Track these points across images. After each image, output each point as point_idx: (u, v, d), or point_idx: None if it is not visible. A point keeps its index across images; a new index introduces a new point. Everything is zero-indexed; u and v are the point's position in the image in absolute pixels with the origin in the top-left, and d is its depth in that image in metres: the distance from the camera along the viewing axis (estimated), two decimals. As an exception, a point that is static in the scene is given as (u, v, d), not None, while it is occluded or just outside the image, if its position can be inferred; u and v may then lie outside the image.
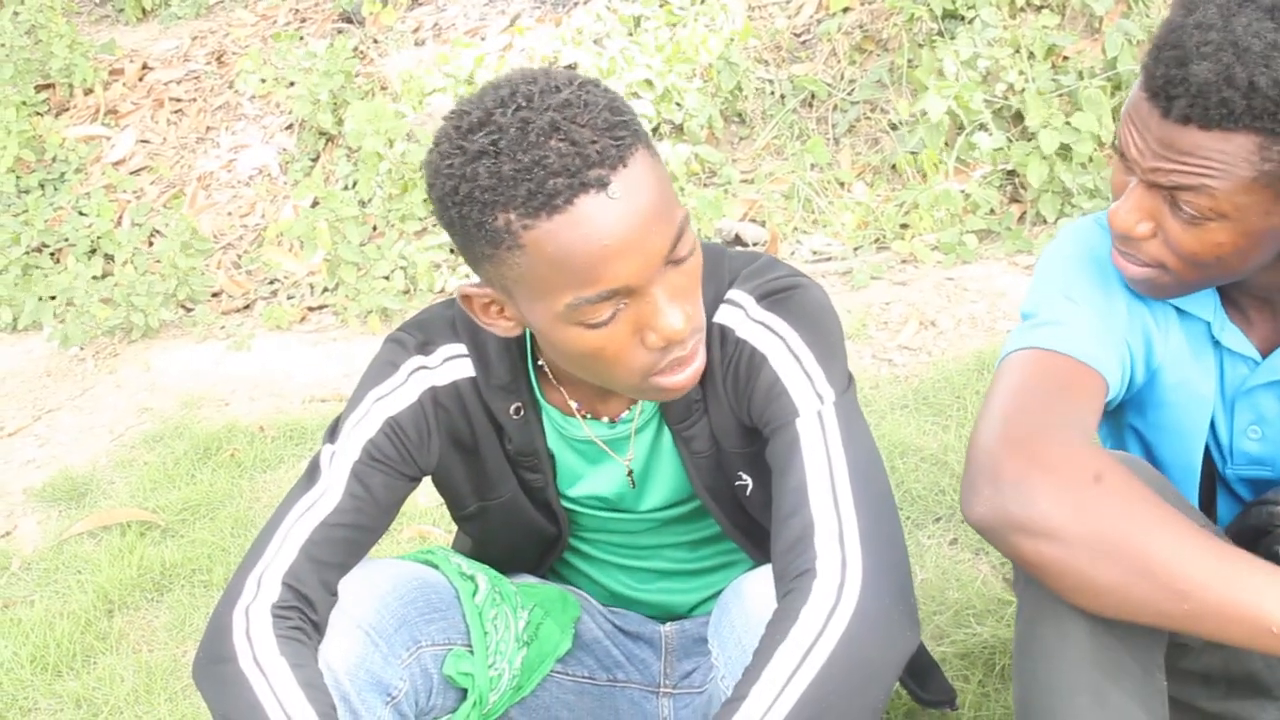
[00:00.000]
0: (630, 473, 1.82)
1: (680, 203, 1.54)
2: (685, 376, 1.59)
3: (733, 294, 1.72)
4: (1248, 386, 1.74)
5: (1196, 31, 1.49)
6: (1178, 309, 1.73)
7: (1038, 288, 1.76)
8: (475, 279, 1.60)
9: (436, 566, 1.82)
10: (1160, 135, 1.53)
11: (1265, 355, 1.73)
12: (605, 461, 1.82)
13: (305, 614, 1.65)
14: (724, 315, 1.71)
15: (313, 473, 1.74)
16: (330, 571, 1.69)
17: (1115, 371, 1.67)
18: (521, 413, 1.77)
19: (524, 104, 1.45)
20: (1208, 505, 1.88)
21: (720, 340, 1.70)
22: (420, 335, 1.79)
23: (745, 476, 1.79)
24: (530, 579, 1.98)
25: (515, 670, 1.80)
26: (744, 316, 1.70)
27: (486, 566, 1.87)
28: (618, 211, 1.44)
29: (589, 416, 1.79)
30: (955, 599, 2.55)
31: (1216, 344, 1.74)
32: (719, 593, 1.96)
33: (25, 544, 3.53)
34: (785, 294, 1.70)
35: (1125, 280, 1.72)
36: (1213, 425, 1.80)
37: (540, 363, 1.77)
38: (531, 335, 1.76)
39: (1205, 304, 1.73)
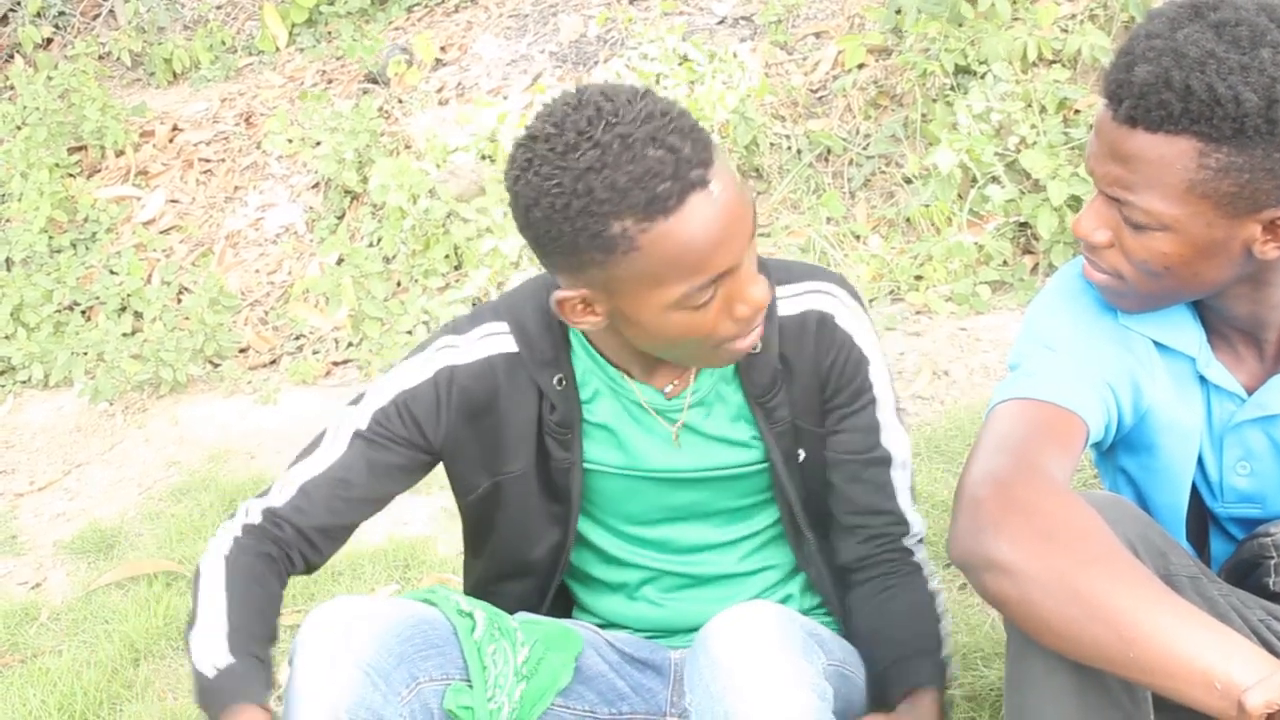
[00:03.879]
0: (676, 435, 1.94)
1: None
2: (754, 336, 1.78)
3: (822, 285, 1.92)
4: (1235, 422, 1.78)
5: (1145, 39, 1.59)
6: (1162, 347, 1.78)
7: (1022, 339, 1.82)
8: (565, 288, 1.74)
9: (435, 605, 1.87)
10: (1111, 138, 1.62)
11: (1251, 391, 1.78)
12: (656, 429, 1.94)
13: (273, 540, 1.88)
14: (822, 303, 1.91)
15: (321, 435, 1.94)
16: (308, 518, 1.90)
17: (1096, 414, 1.71)
18: (564, 384, 1.90)
19: (613, 120, 1.61)
20: (1200, 546, 1.91)
21: (820, 324, 1.90)
22: (465, 320, 1.95)
23: (801, 450, 1.96)
24: (533, 616, 2.03)
25: (515, 703, 1.84)
26: (843, 309, 1.92)
27: (486, 604, 1.92)
28: (718, 204, 1.63)
29: (639, 383, 1.92)
30: (964, 643, 2.58)
31: (1203, 380, 1.78)
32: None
33: (54, 595, 3.59)
34: (857, 292, 1.97)
35: (1105, 303, 1.77)
36: (1202, 463, 1.83)
37: (579, 338, 1.91)
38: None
39: (1190, 339, 1.77)
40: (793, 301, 1.91)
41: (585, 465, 1.96)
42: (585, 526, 2.04)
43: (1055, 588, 1.46)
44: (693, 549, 2.04)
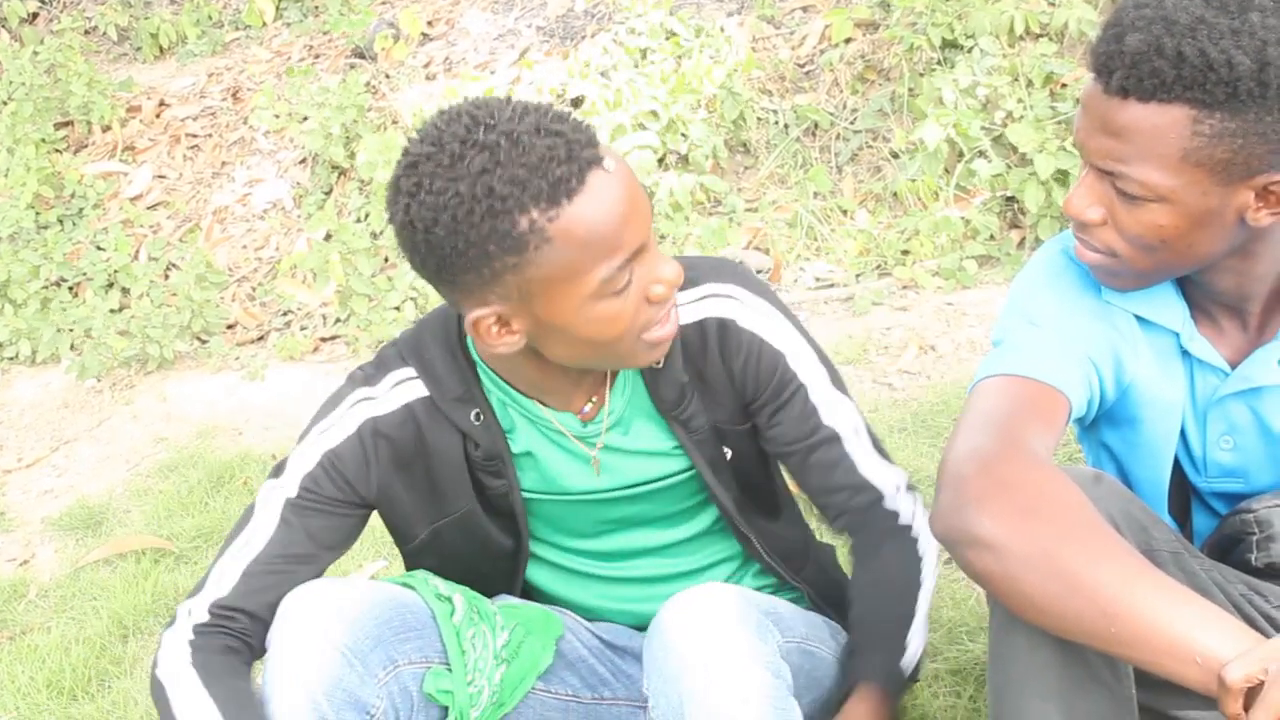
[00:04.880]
0: (596, 461, 1.91)
1: None
2: (672, 325, 1.74)
3: (718, 287, 1.88)
4: (1219, 396, 1.78)
5: (1134, 9, 1.59)
6: (1145, 323, 1.78)
7: (1005, 314, 1.82)
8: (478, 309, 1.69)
9: (414, 589, 1.87)
10: (1103, 112, 1.61)
11: (1234, 365, 1.78)
12: (578, 453, 1.91)
13: (231, 633, 1.81)
14: (723, 309, 1.87)
15: (249, 512, 1.88)
16: (259, 598, 1.83)
17: (1079, 390, 1.72)
18: (482, 418, 1.86)
19: (491, 122, 1.59)
20: (1183, 521, 1.92)
21: (722, 330, 1.87)
22: (371, 368, 1.90)
23: (728, 449, 1.93)
24: (513, 599, 2.03)
25: (495, 687, 1.85)
26: (743, 309, 1.88)
27: (465, 588, 1.92)
28: (617, 180, 1.63)
29: (554, 410, 1.89)
30: (949, 617, 2.59)
31: (1186, 355, 1.79)
32: None
33: (43, 572, 3.60)
34: (762, 287, 1.93)
35: (1088, 280, 1.78)
36: (1186, 438, 1.84)
37: (488, 372, 1.87)
38: (474, 350, 1.86)
39: (1174, 315, 1.77)
40: (690, 309, 1.87)
41: (523, 492, 1.94)
42: (531, 545, 2.03)
43: (1038, 563, 1.47)
44: (638, 554, 2.04)
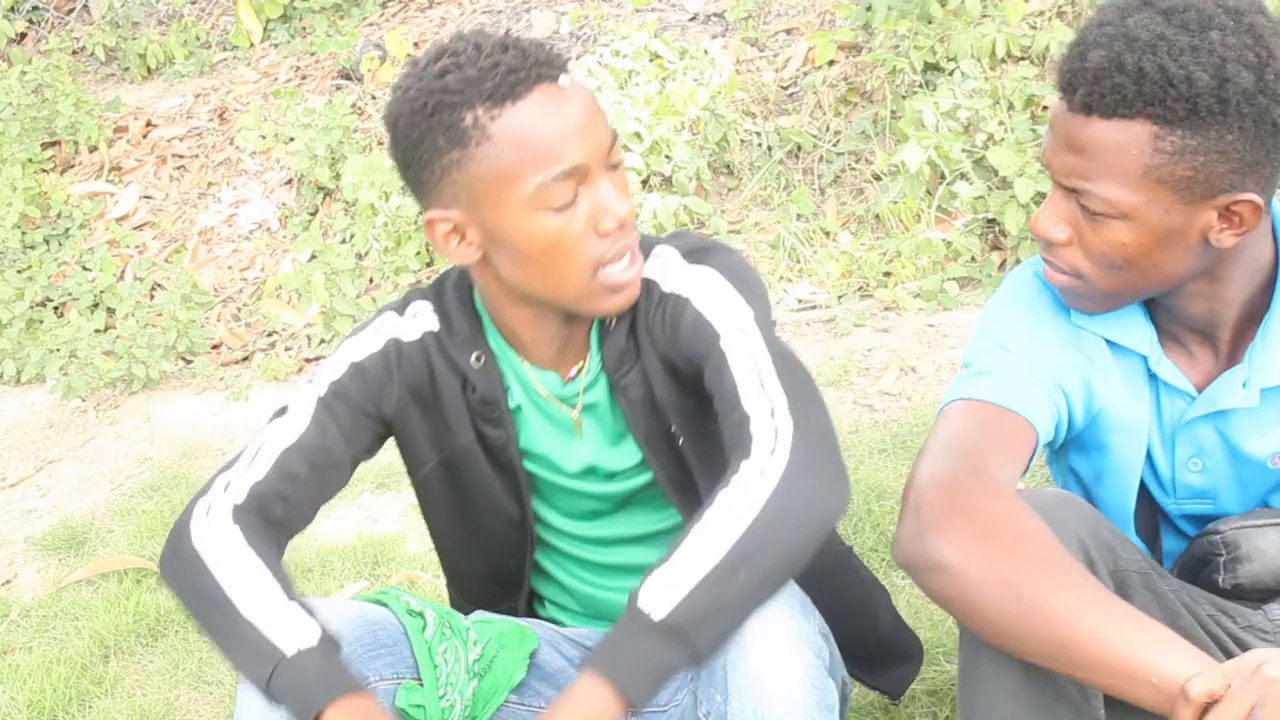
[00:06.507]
0: (579, 422, 1.93)
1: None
2: (633, 270, 1.77)
3: (658, 250, 1.88)
4: (1186, 420, 1.80)
5: (1097, 27, 1.62)
6: (1114, 346, 1.80)
7: (976, 337, 1.83)
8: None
9: (386, 605, 1.89)
10: (1067, 129, 1.64)
11: (1201, 389, 1.80)
12: (558, 416, 1.93)
13: (269, 515, 1.82)
14: (651, 269, 1.85)
15: (284, 407, 1.92)
16: (298, 486, 1.86)
17: (1046, 418, 1.74)
18: (482, 360, 1.90)
19: (472, 39, 1.72)
20: (1152, 544, 1.94)
21: (646, 293, 1.84)
22: (400, 299, 1.97)
23: (676, 427, 1.90)
24: (488, 615, 2.04)
25: (467, 700, 1.86)
26: (668, 270, 1.85)
27: (438, 604, 1.93)
28: (568, 97, 1.70)
29: (540, 368, 1.91)
30: (926, 638, 2.60)
31: (1153, 378, 1.80)
32: None
33: (25, 592, 3.60)
34: (706, 250, 1.87)
35: (1059, 304, 1.79)
36: (1154, 461, 1.85)
37: (489, 325, 1.91)
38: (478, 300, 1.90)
39: (1142, 338, 1.79)
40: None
41: (522, 451, 1.95)
42: (541, 508, 2.03)
43: (994, 587, 1.49)
44: (626, 542, 2.03)
